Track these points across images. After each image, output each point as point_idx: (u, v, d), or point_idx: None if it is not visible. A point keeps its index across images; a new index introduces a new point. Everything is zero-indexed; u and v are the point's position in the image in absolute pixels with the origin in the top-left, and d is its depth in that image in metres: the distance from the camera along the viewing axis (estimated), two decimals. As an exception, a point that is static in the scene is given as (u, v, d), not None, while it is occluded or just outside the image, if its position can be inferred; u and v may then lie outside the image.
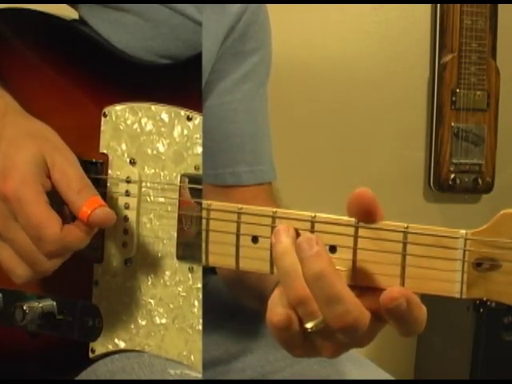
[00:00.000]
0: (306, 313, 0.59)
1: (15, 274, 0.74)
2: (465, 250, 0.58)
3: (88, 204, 0.73)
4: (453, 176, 1.89)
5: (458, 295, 0.59)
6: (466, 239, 0.58)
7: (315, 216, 0.61)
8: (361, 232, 0.60)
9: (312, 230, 0.61)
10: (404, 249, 0.59)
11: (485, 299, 1.69)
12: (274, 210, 0.62)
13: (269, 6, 0.99)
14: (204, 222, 0.65)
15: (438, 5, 1.89)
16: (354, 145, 1.91)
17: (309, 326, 0.60)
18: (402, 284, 0.59)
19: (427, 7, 1.91)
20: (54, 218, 0.72)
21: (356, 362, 0.93)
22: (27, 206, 0.71)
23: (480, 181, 1.90)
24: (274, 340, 0.95)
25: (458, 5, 1.85)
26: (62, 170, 0.74)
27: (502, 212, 0.57)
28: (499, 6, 1.89)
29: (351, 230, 0.60)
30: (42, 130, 0.77)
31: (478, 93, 1.88)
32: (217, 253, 0.65)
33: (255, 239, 0.63)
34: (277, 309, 0.60)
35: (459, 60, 1.86)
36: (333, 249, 0.61)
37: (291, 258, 0.59)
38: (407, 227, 0.59)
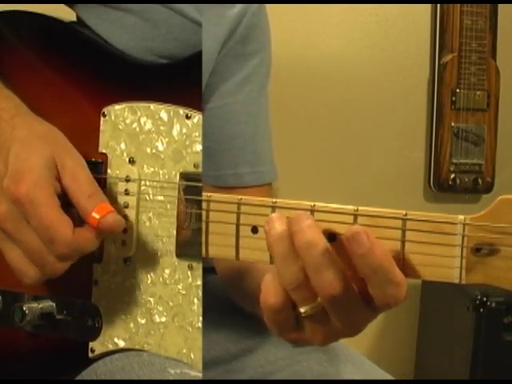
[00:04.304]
0: (302, 297, 0.61)
1: (25, 274, 0.75)
2: (463, 236, 0.58)
3: (98, 210, 0.73)
4: (453, 176, 1.89)
5: (457, 280, 0.59)
6: (464, 224, 0.58)
7: (314, 205, 0.62)
8: (360, 220, 0.60)
9: None
10: (403, 235, 0.59)
11: (485, 299, 1.68)
12: (274, 200, 0.63)
13: (269, 6, 0.99)
14: (204, 213, 0.65)
15: (438, 5, 1.89)
16: (354, 145, 1.91)
17: (303, 310, 0.61)
18: (402, 270, 0.59)
19: (427, 7, 1.91)
20: (66, 221, 0.72)
21: (356, 362, 0.93)
22: (40, 209, 0.71)
23: (480, 181, 1.90)
24: (274, 339, 0.96)
25: (458, 5, 1.85)
26: (73, 174, 0.75)
27: (500, 197, 0.57)
28: (499, 6, 1.89)
29: (350, 218, 0.61)
30: (52, 132, 0.78)
31: (478, 93, 1.88)
32: (217, 244, 0.65)
33: (255, 229, 0.64)
34: (271, 290, 0.61)
35: (459, 60, 1.86)
36: (332, 237, 0.61)
37: (287, 244, 0.60)
38: (406, 214, 0.59)
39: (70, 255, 0.73)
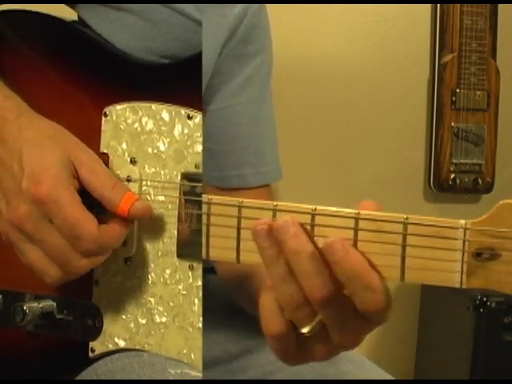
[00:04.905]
0: (302, 316, 0.61)
1: (46, 274, 0.75)
2: (464, 240, 0.58)
3: (125, 199, 0.74)
4: (453, 176, 1.89)
5: (457, 285, 0.59)
6: (465, 229, 0.58)
7: (315, 208, 0.61)
8: (361, 224, 0.60)
9: (312, 224, 0.61)
10: (404, 240, 0.59)
11: (485, 299, 1.68)
12: (275, 203, 0.63)
13: (269, 6, 1.00)
14: (205, 216, 0.65)
15: (438, 5, 1.89)
16: (353, 145, 1.91)
17: (305, 330, 0.61)
18: (403, 275, 0.59)
19: (427, 7, 1.91)
20: (90, 218, 0.73)
21: (356, 362, 0.93)
22: (65, 208, 0.72)
23: (480, 181, 1.90)
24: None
25: (458, 5, 1.85)
26: (92, 169, 0.75)
27: (501, 202, 0.57)
28: (499, 6, 1.89)
29: (351, 222, 0.60)
30: (60, 130, 0.78)
31: (478, 93, 1.88)
32: (218, 247, 0.65)
33: None
34: (273, 318, 0.62)
35: (459, 60, 1.86)
36: None
37: (283, 265, 0.60)
38: (407, 218, 0.59)
39: (95, 251, 0.74)
